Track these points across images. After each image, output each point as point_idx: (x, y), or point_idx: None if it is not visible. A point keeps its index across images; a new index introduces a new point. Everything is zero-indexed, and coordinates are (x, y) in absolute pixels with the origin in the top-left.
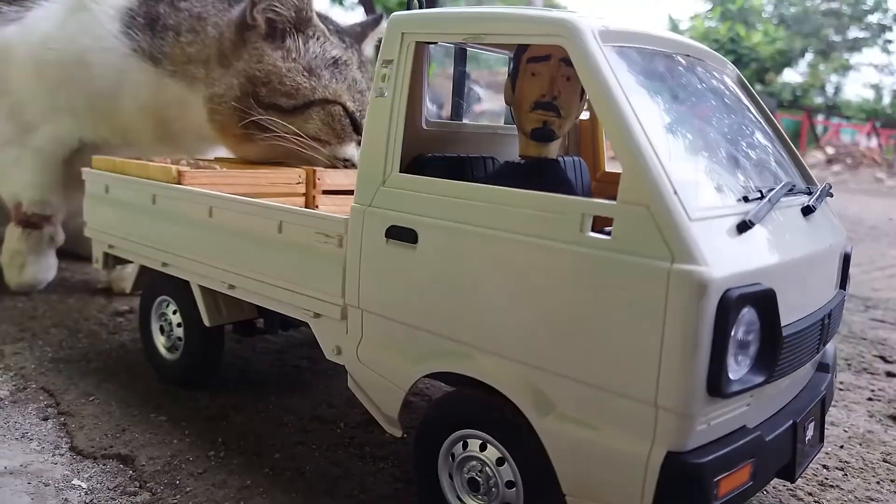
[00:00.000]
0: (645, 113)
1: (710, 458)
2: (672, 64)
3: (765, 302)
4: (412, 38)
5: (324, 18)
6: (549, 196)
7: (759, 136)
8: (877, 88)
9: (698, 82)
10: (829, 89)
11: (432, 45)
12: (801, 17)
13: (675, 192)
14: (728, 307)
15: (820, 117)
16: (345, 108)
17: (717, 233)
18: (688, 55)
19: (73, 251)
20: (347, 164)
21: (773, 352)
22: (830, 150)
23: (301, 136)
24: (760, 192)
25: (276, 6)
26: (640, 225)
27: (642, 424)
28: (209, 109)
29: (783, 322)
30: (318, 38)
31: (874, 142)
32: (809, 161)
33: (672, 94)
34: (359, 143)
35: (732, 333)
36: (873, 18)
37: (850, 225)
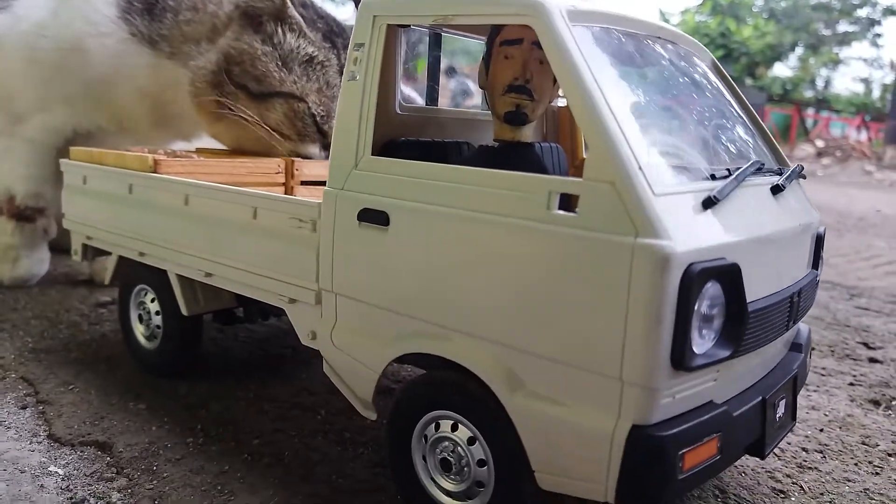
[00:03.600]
0: (612, 91)
1: (675, 431)
2: (643, 45)
3: (729, 276)
4: (383, 20)
5: (321, 16)
6: (517, 175)
7: (729, 117)
8: (866, 82)
9: (669, 64)
10: (819, 83)
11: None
12: (791, 11)
13: (640, 169)
14: (691, 281)
15: (810, 111)
16: (309, 108)
17: (681, 208)
18: (660, 37)
19: (55, 244)
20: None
21: (738, 326)
22: (820, 144)
23: (262, 124)
24: (728, 170)
25: None
26: (606, 201)
27: (608, 399)
28: (190, 80)
29: (749, 298)
30: (294, 32)
31: (864, 135)
32: (799, 154)
33: (641, 74)
34: (323, 146)
35: (696, 307)
36: (863, 12)
37: (837, 216)
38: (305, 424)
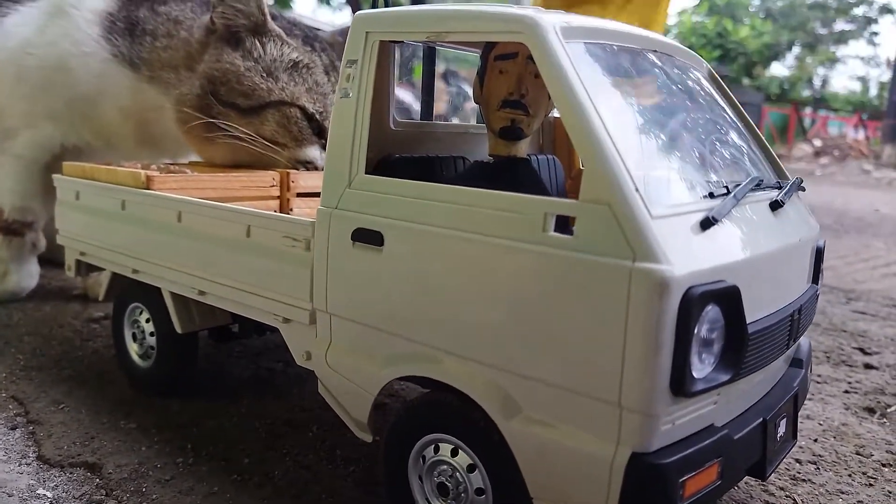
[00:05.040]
0: (607, 110)
1: (676, 458)
2: (639, 60)
3: (729, 299)
4: (376, 37)
5: (293, 24)
6: (512, 196)
7: (728, 131)
8: (863, 80)
9: (665, 78)
10: (817, 82)
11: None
12: (787, 10)
13: (637, 190)
14: (690, 305)
15: (807, 110)
16: (303, 111)
17: (679, 230)
18: (655, 50)
19: (51, 258)
20: (309, 166)
21: (738, 350)
22: (818, 143)
23: (257, 138)
24: (726, 187)
25: (229, 13)
26: (602, 223)
27: (606, 425)
28: (176, 109)
29: (749, 319)
30: (276, 42)
31: (861, 134)
32: (797, 154)
33: (637, 90)
34: (322, 146)
35: (696, 332)
36: (859, 11)
37: (835, 217)
38: (297, 442)
